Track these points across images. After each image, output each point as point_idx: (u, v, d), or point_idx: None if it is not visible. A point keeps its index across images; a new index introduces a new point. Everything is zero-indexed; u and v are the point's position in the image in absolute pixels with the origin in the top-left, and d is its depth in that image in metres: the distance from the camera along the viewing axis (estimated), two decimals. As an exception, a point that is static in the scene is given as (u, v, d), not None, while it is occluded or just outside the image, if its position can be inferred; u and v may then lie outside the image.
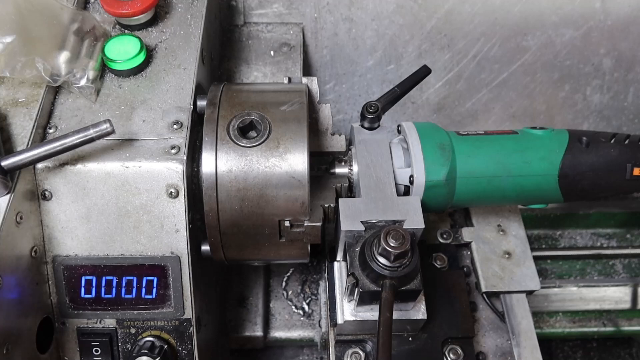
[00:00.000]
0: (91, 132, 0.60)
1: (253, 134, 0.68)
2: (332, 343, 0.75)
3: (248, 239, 0.69)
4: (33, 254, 0.65)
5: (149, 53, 0.73)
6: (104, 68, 0.72)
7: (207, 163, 0.66)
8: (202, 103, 0.71)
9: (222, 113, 0.69)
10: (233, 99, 0.70)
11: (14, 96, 0.68)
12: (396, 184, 0.72)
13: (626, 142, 0.74)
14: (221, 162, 0.66)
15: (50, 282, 0.68)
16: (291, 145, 0.67)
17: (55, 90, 0.70)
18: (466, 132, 0.77)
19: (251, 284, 0.93)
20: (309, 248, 0.73)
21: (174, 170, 0.64)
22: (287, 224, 0.67)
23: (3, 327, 0.60)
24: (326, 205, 0.71)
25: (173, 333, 0.70)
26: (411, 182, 0.73)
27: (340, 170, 0.76)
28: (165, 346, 0.69)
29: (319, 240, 0.69)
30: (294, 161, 0.66)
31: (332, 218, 0.72)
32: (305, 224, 0.68)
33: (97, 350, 0.70)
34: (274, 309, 0.95)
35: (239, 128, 0.67)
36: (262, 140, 0.67)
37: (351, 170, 0.75)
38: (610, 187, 0.75)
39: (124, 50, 0.71)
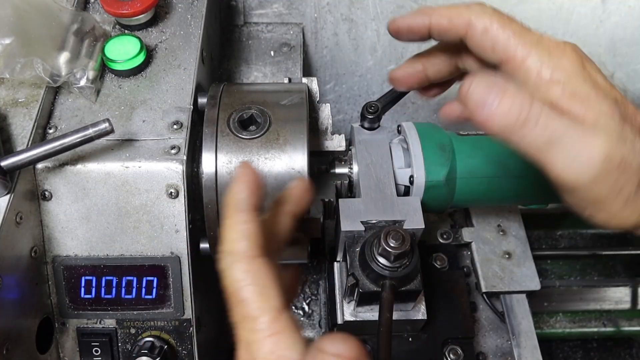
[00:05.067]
0: (90, 132, 0.60)
1: (253, 127, 0.68)
2: (332, 343, 0.75)
3: None
4: (33, 254, 0.65)
5: (149, 53, 0.73)
6: (104, 68, 0.72)
7: (207, 155, 0.66)
8: (202, 100, 0.71)
9: (223, 108, 0.69)
10: (233, 96, 0.71)
11: (14, 96, 0.68)
12: (396, 184, 0.72)
13: (626, 142, 0.74)
14: (221, 154, 0.66)
15: (50, 282, 0.68)
16: (291, 137, 0.67)
17: (55, 91, 0.70)
18: (466, 132, 0.77)
19: (251, 284, 0.93)
20: (309, 247, 0.73)
21: (174, 170, 0.64)
22: None
23: (3, 327, 0.60)
24: (326, 200, 0.71)
25: (173, 333, 0.70)
26: (411, 183, 0.73)
27: (340, 170, 0.76)
28: (165, 346, 0.69)
29: (319, 233, 0.69)
30: (294, 153, 0.66)
31: (332, 213, 0.72)
32: (305, 217, 0.68)
33: (97, 351, 0.70)
34: (274, 309, 0.95)
35: (240, 121, 0.68)
36: (262, 132, 0.67)
37: (351, 170, 0.75)
38: (610, 187, 0.75)
39: (124, 50, 0.71)
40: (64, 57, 0.69)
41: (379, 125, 0.77)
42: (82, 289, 0.68)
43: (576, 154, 0.49)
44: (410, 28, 0.62)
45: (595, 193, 0.50)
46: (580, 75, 0.52)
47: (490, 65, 0.57)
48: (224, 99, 0.70)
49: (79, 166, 0.64)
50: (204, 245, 0.72)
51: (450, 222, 0.93)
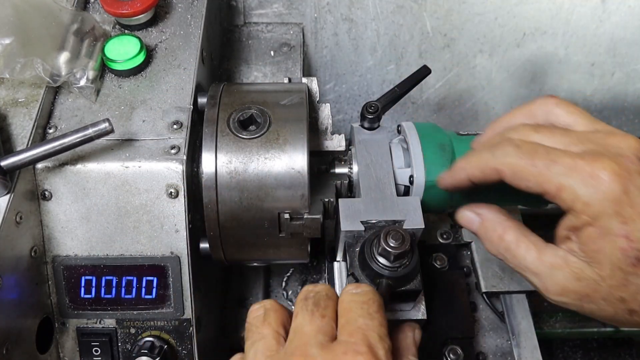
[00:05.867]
0: (90, 132, 0.60)
1: (253, 127, 0.68)
2: (332, 343, 0.75)
3: (247, 233, 0.69)
4: (33, 254, 0.65)
5: (149, 53, 0.73)
6: (104, 68, 0.72)
7: (207, 155, 0.66)
8: (202, 100, 0.71)
9: (223, 108, 0.69)
10: (233, 96, 0.71)
11: (14, 96, 0.68)
12: (396, 184, 0.72)
13: (626, 142, 0.74)
14: (221, 154, 0.66)
15: (50, 282, 0.68)
16: (291, 137, 0.67)
17: (55, 91, 0.70)
18: (466, 132, 0.77)
19: (251, 284, 0.93)
20: (309, 247, 0.73)
21: (174, 170, 0.64)
22: (286, 216, 0.67)
23: (3, 327, 0.60)
24: (326, 200, 0.71)
25: (173, 333, 0.70)
26: (411, 182, 0.73)
27: (340, 170, 0.76)
28: (165, 346, 0.69)
29: (319, 233, 0.69)
30: (294, 153, 0.66)
31: (332, 213, 0.72)
32: (305, 217, 0.68)
33: (97, 351, 0.70)
34: (274, 309, 0.94)
35: (239, 121, 0.68)
36: (262, 132, 0.67)
37: (351, 170, 0.75)
38: (610, 187, 0.75)
39: (123, 50, 0.71)
40: (64, 57, 0.69)
41: (378, 125, 0.77)
42: (82, 289, 0.68)
43: (542, 285, 0.58)
44: (455, 186, 0.66)
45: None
46: (613, 208, 0.52)
47: None
48: (223, 98, 0.70)
49: (79, 166, 0.64)
50: (204, 245, 0.72)
51: (450, 222, 0.93)
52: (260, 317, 0.54)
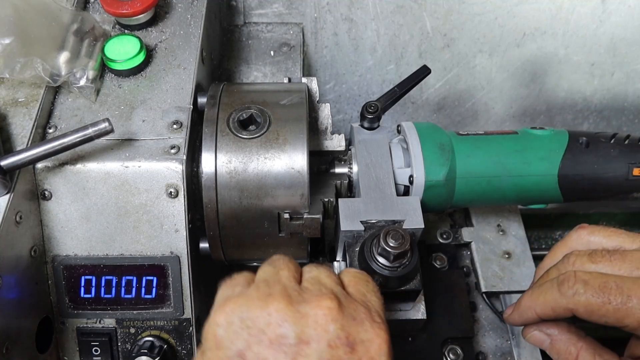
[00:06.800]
0: (90, 131, 0.60)
1: (253, 127, 0.68)
2: (331, 343, 0.75)
3: (247, 233, 0.69)
4: (32, 253, 0.65)
5: (149, 53, 0.73)
6: (104, 68, 0.72)
7: (207, 155, 0.66)
8: (202, 100, 0.71)
9: (223, 107, 0.69)
10: (233, 95, 0.71)
11: (14, 96, 0.68)
12: (396, 184, 0.72)
13: (626, 142, 0.74)
14: (221, 154, 0.66)
15: (49, 282, 0.68)
16: (290, 137, 0.67)
17: (55, 90, 0.70)
18: (466, 132, 0.77)
19: (251, 284, 0.93)
20: (309, 247, 0.73)
21: (174, 170, 0.64)
22: (286, 216, 0.67)
23: (2, 326, 0.60)
24: (326, 200, 0.71)
25: (173, 333, 0.70)
26: (411, 182, 0.73)
27: (339, 170, 0.76)
28: (165, 346, 0.69)
29: (318, 233, 0.69)
30: (293, 152, 0.66)
31: (331, 213, 0.72)
32: (305, 216, 0.68)
33: (96, 350, 0.70)
34: (274, 309, 0.95)
35: (239, 121, 0.68)
36: (262, 132, 0.67)
37: (351, 170, 0.75)
38: (610, 187, 0.75)
39: (123, 50, 0.71)
40: (63, 57, 0.69)
41: (378, 125, 0.77)
42: (82, 289, 0.68)
43: None
44: (525, 323, 0.66)
45: None
46: None
47: None
48: (223, 98, 0.70)
49: (79, 166, 0.64)
50: (204, 245, 0.72)
51: (450, 222, 0.93)
52: (285, 258, 0.56)
